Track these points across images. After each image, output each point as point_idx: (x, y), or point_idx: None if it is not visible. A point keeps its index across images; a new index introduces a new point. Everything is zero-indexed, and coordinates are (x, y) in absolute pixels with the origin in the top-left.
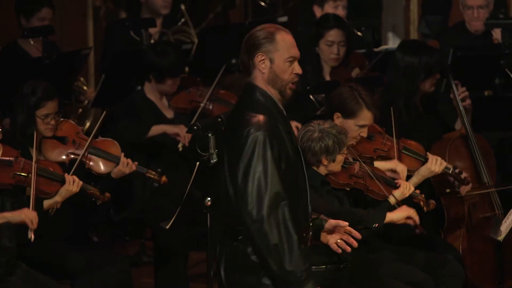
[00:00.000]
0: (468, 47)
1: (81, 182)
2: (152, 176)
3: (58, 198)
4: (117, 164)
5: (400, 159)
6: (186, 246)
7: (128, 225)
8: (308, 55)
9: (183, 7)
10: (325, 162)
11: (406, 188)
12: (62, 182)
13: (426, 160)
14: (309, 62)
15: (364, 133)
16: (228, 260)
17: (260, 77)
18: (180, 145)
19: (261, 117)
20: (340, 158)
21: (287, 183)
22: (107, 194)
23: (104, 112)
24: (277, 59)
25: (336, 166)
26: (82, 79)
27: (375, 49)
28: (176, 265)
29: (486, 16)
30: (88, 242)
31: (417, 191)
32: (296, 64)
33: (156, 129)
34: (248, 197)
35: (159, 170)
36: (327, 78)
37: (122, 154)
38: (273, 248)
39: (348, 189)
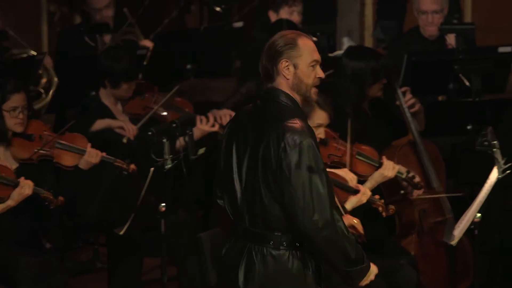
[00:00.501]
0: (422, 52)
1: (33, 185)
2: (120, 165)
3: (10, 202)
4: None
5: (354, 165)
6: (140, 252)
7: (81, 231)
8: None
9: (125, 9)
10: None
11: (363, 194)
12: (15, 186)
13: (380, 165)
14: None
15: (322, 134)
16: (263, 267)
17: (285, 83)
18: (125, 139)
19: (301, 123)
20: None
21: None
22: (61, 198)
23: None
24: (301, 64)
25: None
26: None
27: (330, 54)
28: (130, 271)
29: (441, 21)
30: (40, 248)
31: (377, 197)
32: (318, 68)
33: (100, 123)
34: (309, 205)
35: (127, 160)
36: None
37: (89, 145)
38: (342, 248)
39: None
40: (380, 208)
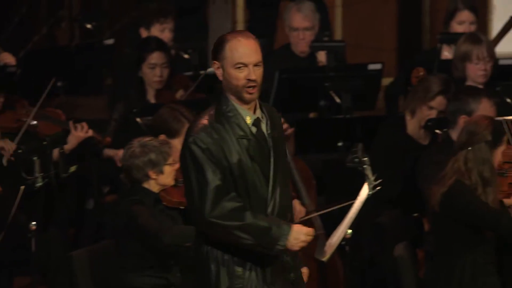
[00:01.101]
0: (293, 69)
1: None
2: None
3: None
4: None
5: None
6: (10, 271)
7: None
8: (133, 78)
9: None
10: (153, 175)
11: None
12: None
13: None
14: (133, 85)
15: None
16: None
17: (223, 84)
18: (5, 160)
19: (200, 122)
20: (168, 169)
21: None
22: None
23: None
24: (226, 66)
25: (167, 179)
26: None
27: (202, 72)
28: None
29: (312, 38)
30: None
31: None
32: (248, 69)
33: None
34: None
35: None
36: (152, 101)
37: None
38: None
39: (183, 207)
40: None
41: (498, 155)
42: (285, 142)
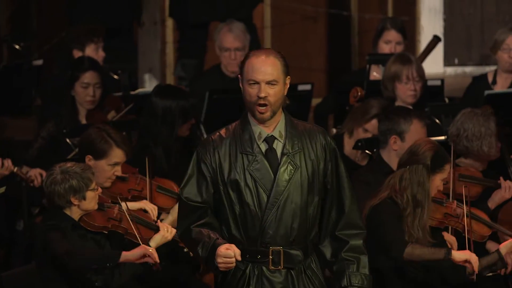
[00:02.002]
0: (223, 90)
1: None
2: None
3: None
4: None
5: (154, 198)
6: None
7: None
8: (64, 98)
9: None
10: (75, 202)
11: (166, 231)
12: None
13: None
14: (65, 105)
15: (118, 172)
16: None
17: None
18: None
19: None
20: (91, 194)
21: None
22: None
23: None
24: (244, 82)
25: (89, 204)
26: None
27: (132, 92)
28: None
29: (242, 58)
30: None
31: None
32: (259, 87)
33: None
34: None
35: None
36: (83, 121)
37: None
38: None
39: (106, 232)
40: None
41: (436, 181)
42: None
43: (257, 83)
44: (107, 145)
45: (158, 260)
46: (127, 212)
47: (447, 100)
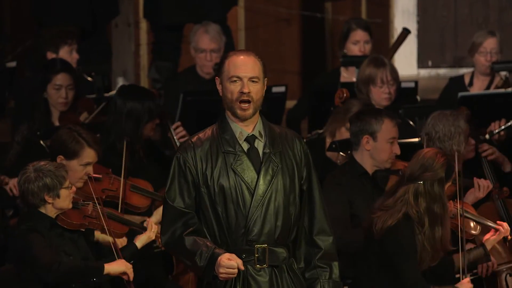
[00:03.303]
0: (197, 91)
1: None
2: None
3: None
4: None
5: (128, 197)
6: None
7: None
8: (37, 100)
9: None
10: (49, 200)
11: (152, 231)
12: None
13: (157, 197)
14: (38, 107)
15: (90, 171)
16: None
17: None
18: None
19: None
20: (65, 193)
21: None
22: None
23: None
24: (223, 80)
25: (64, 202)
26: None
27: (106, 95)
28: None
29: (217, 61)
30: None
31: None
32: (241, 83)
33: None
34: None
35: None
36: (56, 123)
37: None
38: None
39: (83, 229)
40: None
41: (447, 191)
42: (306, 169)
43: (240, 79)
44: (78, 145)
45: (132, 279)
46: (100, 209)
47: (419, 99)
